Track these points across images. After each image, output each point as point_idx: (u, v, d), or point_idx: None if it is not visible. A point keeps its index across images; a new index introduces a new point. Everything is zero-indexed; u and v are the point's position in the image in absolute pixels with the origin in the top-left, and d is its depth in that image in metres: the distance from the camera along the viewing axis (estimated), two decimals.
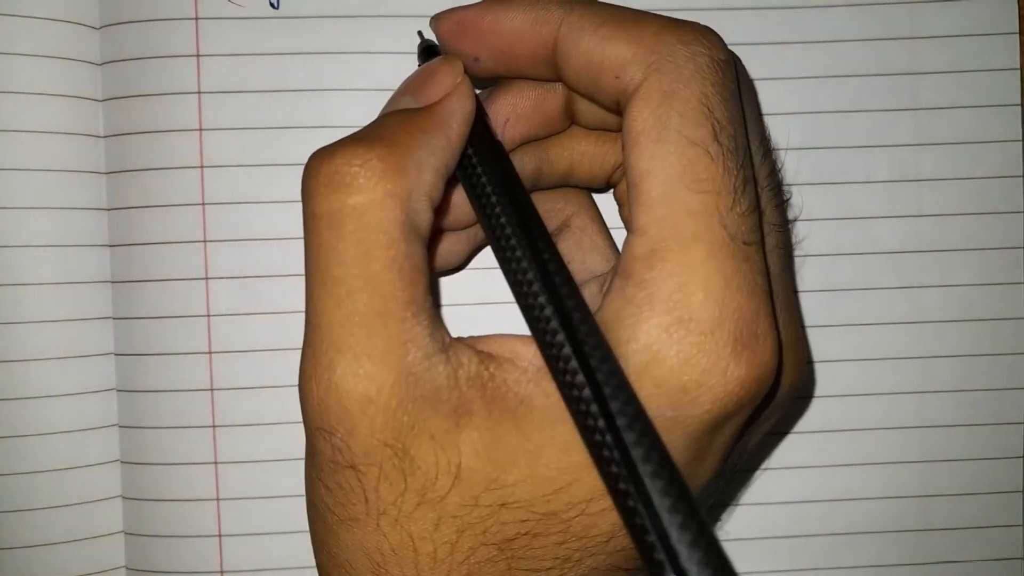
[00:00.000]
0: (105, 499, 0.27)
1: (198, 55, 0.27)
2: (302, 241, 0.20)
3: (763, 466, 0.28)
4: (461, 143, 0.21)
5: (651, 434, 0.17)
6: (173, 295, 0.27)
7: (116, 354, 0.28)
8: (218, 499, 0.27)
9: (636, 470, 0.17)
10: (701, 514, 0.17)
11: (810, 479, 0.28)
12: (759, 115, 0.22)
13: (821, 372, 0.28)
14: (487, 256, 0.27)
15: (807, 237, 0.28)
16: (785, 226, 0.22)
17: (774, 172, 0.22)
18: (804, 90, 0.28)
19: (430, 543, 0.19)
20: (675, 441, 0.19)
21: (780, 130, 0.28)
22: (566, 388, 0.18)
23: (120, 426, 0.28)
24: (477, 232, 0.25)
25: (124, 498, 0.28)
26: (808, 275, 0.28)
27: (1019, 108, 0.28)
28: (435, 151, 0.20)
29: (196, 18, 0.27)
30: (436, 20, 0.22)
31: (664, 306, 0.18)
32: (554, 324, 0.18)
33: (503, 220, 0.20)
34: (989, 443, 0.29)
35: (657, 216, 0.19)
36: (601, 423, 0.17)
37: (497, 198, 0.20)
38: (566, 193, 0.25)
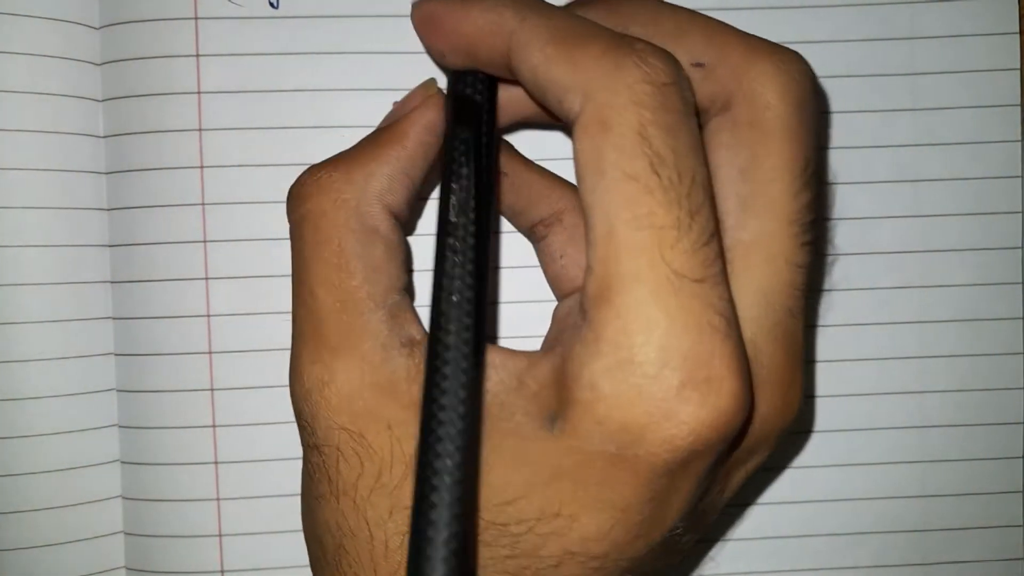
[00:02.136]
0: (105, 499, 0.27)
1: (198, 55, 0.27)
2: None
3: (764, 466, 0.28)
4: (423, 149, 0.22)
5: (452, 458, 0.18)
6: (173, 295, 0.27)
7: (116, 354, 0.28)
8: (218, 499, 0.27)
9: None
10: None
11: (810, 479, 0.28)
12: (808, 139, 0.20)
13: (821, 372, 0.28)
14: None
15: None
16: (806, 266, 0.21)
17: (812, 207, 0.20)
18: None
19: (383, 531, 0.20)
20: (622, 478, 0.18)
21: None
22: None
23: (120, 426, 0.28)
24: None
25: (124, 498, 0.28)
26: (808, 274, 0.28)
27: (1019, 108, 0.28)
28: (388, 160, 0.22)
29: (196, 18, 0.27)
30: (412, 8, 0.23)
31: (608, 347, 0.18)
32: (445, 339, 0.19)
33: (453, 240, 0.20)
34: (988, 443, 0.29)
35: (601, 255, 0.18)
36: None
37: (453, 215, 0.21)
38: (566, 188, 0.25)
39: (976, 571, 0.29)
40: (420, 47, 0.23)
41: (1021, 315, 0.28)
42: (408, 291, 0.22)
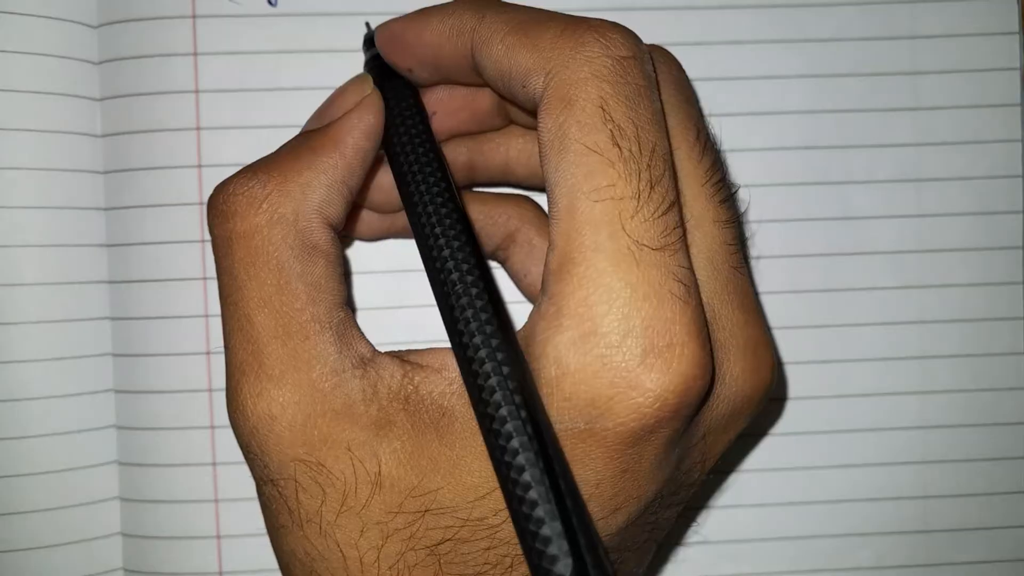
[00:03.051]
0: (103, 500, 0.27)
1: (195, 53, 0.27)
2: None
3: (764, 466, 0.28)
4: (361, 155, 0.21)
5: (546, 442, 0.18)
6: (170, 295, 0.27)
7: (114, 355, 0.27)
8: (216, 500, 0.27)
9: (527, 477, 0.17)
10: (588, 525, 0.17)
11: (811, 480, 0.28)
12: (693, 111, 0.21)
13: (822, 372, 0.28)
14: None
15: (808, 237, 0.28)
16: (734, 222, 0.21)
17: (716, 167, 0.21)
18: (804, 89, 0.28)
19: (356, 549, 0.19)
20: (593, 453, 0.18)
21: (780, 130, 0.28)
22: (475, 399, 0.18)
23: (118, 427, 0.27)
24: (396, 220, 0.25)
25: (122, 499, 0.28)
26: (807, 275, 0.28)
27: (1019, 108, 0.28)
28: (325, 169, 0.21)
29: (193, 16, 0.27)
30: (376, 32, 0.23)
31: (571, 320, 0.18)
32: (469, 336, 0.19)
33: (433, 228, 0.20)
34: (991, 444, 0.29)
35: (563, 229, 0.18)
36: (502, 432, 0.18)
37: (427, 205, 0.20)
38: (509, 207, 0.25)
39: (979, 572, 0.29)
40: None
41: (1022, 315, 0.28)
42: (349, 305, 0.21)
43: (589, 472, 0.19)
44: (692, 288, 0.19)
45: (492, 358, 0.18)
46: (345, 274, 0.22)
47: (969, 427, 0.29)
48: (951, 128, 0.28)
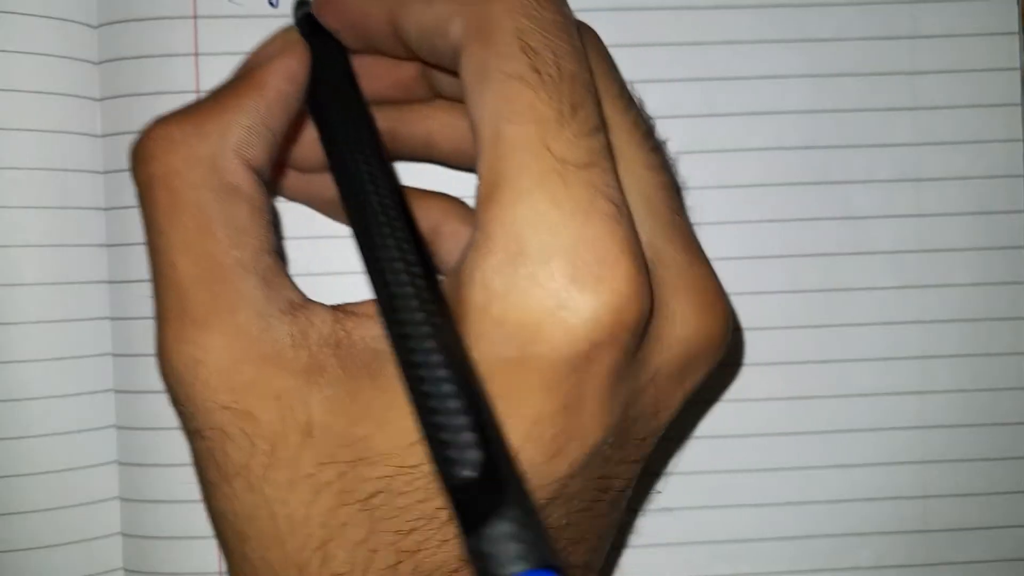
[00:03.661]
0: (103, 500, 0.27)
1: (196, 54, 0.27)
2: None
3: (764, 466, 0.28)
4: (282, 98, 0.21)
5: (461, 372, 0.17)
6: None
7: (114, 355, 0.27)
8: None
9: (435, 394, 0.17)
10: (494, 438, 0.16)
11: (810, 480, 0.28)
12: (616, 75, 0.22)
13: (823, 372, 0.28)
14: None
15: (808, 237, 0.28)
16: (664, 167, 0.21)
17: (641, 119, 0.21)
18: (804, 89, 0.28)
19: (285, 506, 0.18)
20: (529, 384, 0.18)
21: (780, 130, 0.28)
22: (391, 335, 0.18)
23: (118, 427, 0.27)
24: (314, 182, 0.25)
25: (122, 499, 0.27)
26: (808, 275, 0.28)
27: (1019, 108, 0.28)
28: (246, 111, 0.20)
29: (195, 16, 0.27)
30: None
31: (497, 243, 0.18)
32: (383, 272, 0.18)
33: (349, 167, 0.20)
34: (991, 444, 0.29)
35: (488, 158, 0.18)
36: (413, 361, 0.17)
37: (342, 144, 0.20)
38: (432, 201, 0.25)
39: (978, 571, 0.29)
40: None
41: (1022, 315, 0.28)
42: (279, 254, 0.21)
43: (527, 408, 0.18)
44: (623, 208, 0.18)
45: (405, 278, 0.18)
46: (276, 224, 0.21)
47: (969, 427, 0.29)
48: (951, 128, 0.28)
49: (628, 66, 0.28)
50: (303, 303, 0.20)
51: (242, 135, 0.20)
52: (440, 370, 0.17)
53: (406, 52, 0.21)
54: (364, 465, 0.18)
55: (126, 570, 0.27)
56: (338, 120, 0.21)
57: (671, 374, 0.20)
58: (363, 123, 0.21)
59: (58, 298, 0.27)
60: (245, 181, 0.20)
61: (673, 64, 0.28)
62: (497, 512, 0.15)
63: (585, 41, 0.21)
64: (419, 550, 0.18)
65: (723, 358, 0.21)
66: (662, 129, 0.28)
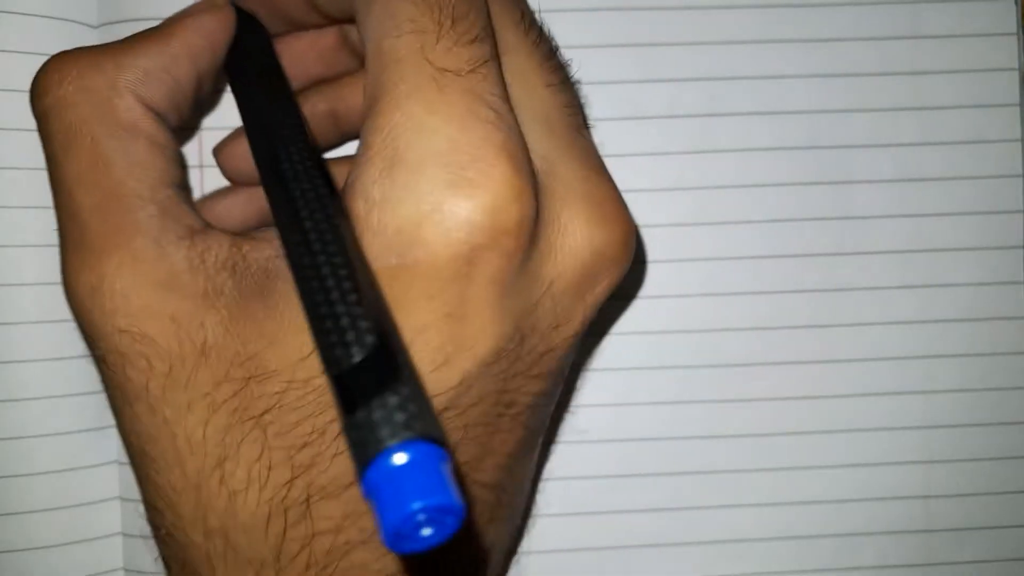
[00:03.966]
0: (103, 500, 0.27)
1: None
2: None
3: (765, 466, 0.28)
4: (188, 48, 0.21)
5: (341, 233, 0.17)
6: None
7: None
8: None
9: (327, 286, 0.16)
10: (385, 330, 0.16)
11: (813, 479, 0.28)
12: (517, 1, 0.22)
13: (825, 372, 0.28)
14: None
15: (809, 237, 0.28)
16: (565, 87, 0.21)
17: (542, 41, 0.21)
18: (805, 89, 0.28)
19: (183, 426, 0.19)
20: (413, 292, 0.18)
21: (780, 130, 0.28)
22: (281, 233, 0.18)
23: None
24: (255, 198, 0.25)
25: (122, 499, 0.27)
26: (808, 275, 0.28)
27: (1019, 108, 0.28)
28: (145, 53, 0.21)
29: None
30: None
31: (376, 153, 0.18)
32: (276, 183, 0.18)
33: (257, 107, 0.21)
34: (993, 443, 0.29)
35: (371, 73, 0.19)
36: (307, 261, 0.17)
37: (253, 94, 0.21)
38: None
39: (983, 572, 0.29)
40: None
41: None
42: (184, 188, 0.21)
43: (410, 316, 0.18)
44: (504, 115, 0.18)
45: (303, 188, 0.18)
46: (180, 160, 0.22)
47: (973, 427, 0.29)
48: (951, 128, 0.28)
49: (629, 66, 0.28)
50: (203, 230, 0.20)
51: (137, 75, 0.20)
52: (327, 261, 0.16)
53: (319, 16, 0.22)
54: (256, 382, 0.18)
55: (126, 570, 0.27)
56: (252, 77, 0.22)
57: (568, 286, 0.20)
58: (277, 81, 0.21)
59: (58, 298, 0.27)
60: (143, 120, 0.20)
61: (674, 64, 0.28)
62: (380, 392, 0.14)
63: None
64: (312, 464, 0.18)
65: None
66: (662, 128, 0.28)
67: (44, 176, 0.26)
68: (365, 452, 0.14)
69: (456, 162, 0.17)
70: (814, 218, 0.28)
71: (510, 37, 0.21)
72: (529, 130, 0.20)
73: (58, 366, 0.27)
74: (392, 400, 0.14)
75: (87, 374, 0.27)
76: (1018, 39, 0.28)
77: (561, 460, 0.28)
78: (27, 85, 0.26)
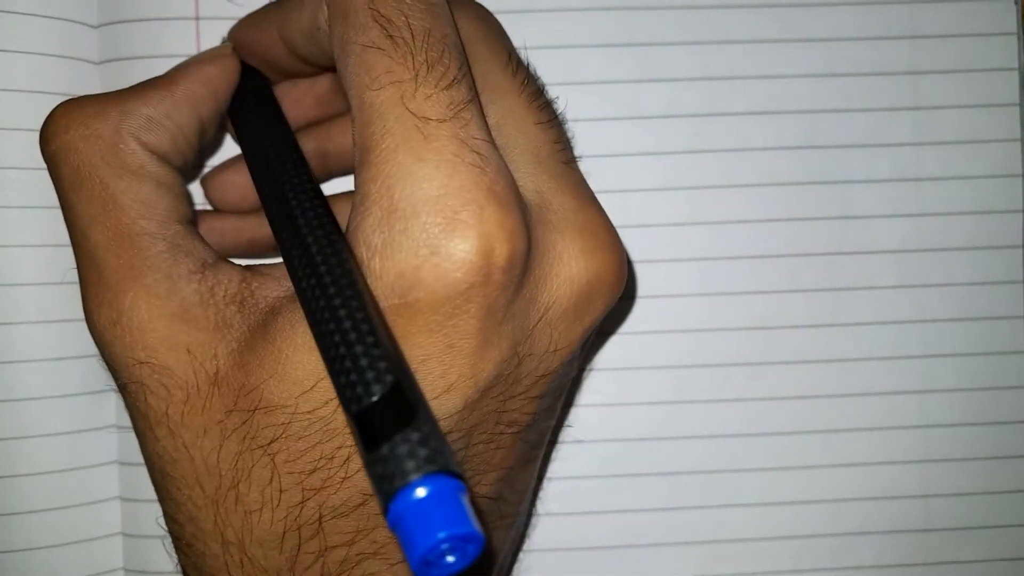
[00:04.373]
0: (103, 500, 0.27)
1: None
2: None
3: (763, 466, 0.28)
4: (189, 96, 0.23)
5: (355, 297, 0.18)
6: None
7: None
8: None
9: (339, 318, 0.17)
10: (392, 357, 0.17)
11: (812, 479, 0.28)
12: (502, 40, 0.23)
13: (824, 372, 0.28)
14: None
15: (808, 237, 0.28)
16: (553, 123, 0.22)
17: (531, 79, 0.22)
18: (804, 89, 0.28)
19: (200, 449, 0.20)
20: (413, 327, 0.19)
21: (780, 129, 0.28)
22: (293, 276, 0.19)
23: (118, 427, 0.27)
24: (250, 225, 0.26)
25: (122, 499, 0.27)
26: (807, 275, 0.28)
27: (1018, 108, 0.28)
28: (148, 101, 0.22)
29: (197, 18, 0.27)
30: (229, 34, 0.25)
31: (373, 203, 0.19)
32: (288, 228, 0.20)
33: (256, 141, 0.22)
34: (991, 443, 0.29)
35: (358, 124, 0.19)
36: (317, 293, 0.18)
37: (258, 138, 0.22)
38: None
39: (980, 571, 0.29)
40: None
41: (1022, 314, 0.28)
42: (193, 223, 0.23)
43: (414, 349, 0.19)
44: (489, 156, 0.19)
45: (310, 229, 0.19)
46: (188, 197, 0.23)
47: (970, 426, 0.29)
48: (950, 128, 0.28)
49: (629, 65, 0.28)
50: (214, 263, 0.21)
51: (140, 121, 0.22)
52: (343, 304, 0.17)
53: (308, 65, 0.23)
54: (262, 413, 0.20)
55: (126, 570, 0.27)
56: (255, 122, 0.23)
57: (565, 311, 0.21)
58: (280, 127, 0.23)
59: (58, 298, 0.27)
60: (148, 162, 0.22)
61: (674, 64, 0.28)
62: (400, 429, 0.15)
63: (463, 9, 0.22)
64: (323, 487, 0.20)
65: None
66: (663, 128, 0.28)
67: (44, 176, 0.26)
68: (391, 486, 0.15)
69: (448, 207, 0.18)
70: (812, 218, 0.28)
71: (499, 79, 0.22)
72: (521, 165, 0.21)
73: (58, 366, 0.27)
74: (413, 436, 0.15)
75: (87, 374, 0.27)
76: (1018, 39, 0.28)
77: (561, 460, 0.28)
78: (27, 85, 0.26)
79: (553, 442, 0.28)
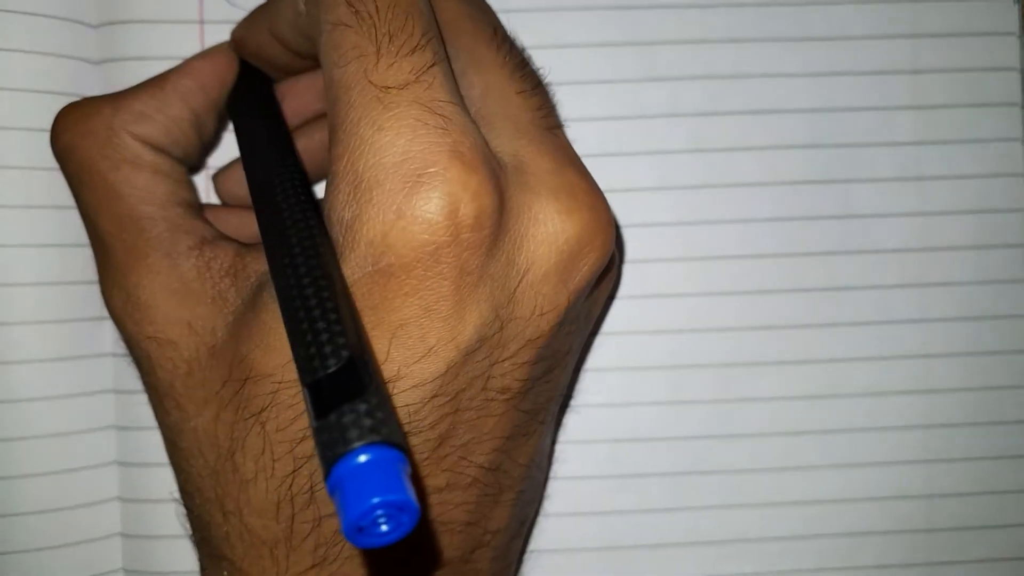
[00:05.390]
0: (103, 501, 0.27)
1: None
2: None
3: (765, 466, 0.28)
4: (180, 91, 0.24)
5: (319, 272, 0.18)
6: None
7: (113, 355, 0.27)
8: None
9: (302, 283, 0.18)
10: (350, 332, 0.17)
11: (814, 479, 0.28)
12: (487, 16, 0.23)
13: (825, 372, 0.28)
14: None
15: (809, 236, 0.28)
16: (536, 91, 0.22)
17: (512, 53, 0.22)
18: (805, 88, 0.28)
19: (200, 420, 0.21)
20: (391, 293, 0.19)
21: (780, 129, 0.28)
22: (267, 252, 0.20)
23: (117, 428, 0.27)
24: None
25: (122, 500, 0.27)
26: (808, 274, 0.28)
27: (1019, 108, 0.28)
28: (139, 97, 0.24)
29: (201, 21, 0.27)
30: (231, 36, 0.26)
31: (341, 180, 0.19)
32: (266, 211, 0.20)
33: (253, 141, 0.23)
34: (994, 442, 0.29)
35: (328, 104, 0.20)
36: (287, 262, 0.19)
37: (249, 127, 0.24)
38: None
39: (983, 570, 0.29)
40: None
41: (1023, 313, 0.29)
42: (195, 206, 0.24)
43: (391, 313, 0.19)
44: (453, 117, 0.19)
45: (286, 200, 0.20)
46: (188, 182, 0.24)
47: (973, 426, 0.29)
48: (951, 127, 0.28)
49: (630, 65, 0.28)
50: (212, 240, 0.23)
51: (131, 116, 0.23)
52: (311, 283, 0.18)
53: (301, 58, 0.24)
54: (252, 383, 0.20)
55: (126, 570, 0.27)
56: (249, 115, 0.24)
57: (547, 274, 0.21)
58: (272, 118, 0.24)
59: (57, 298, 0.27)
60: (143, 152, 0.23)
61: (675, 63, 0.28)
62: (350, 400, 0.16)
63: None
64: (313, 456, 0.20)
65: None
66: (663, 127, 0.28)
67: (44, 176, 0.27)
68: (333, 452, 0.15)
69: (411, 170, 0.19)
70: (814, 217, 0.28)
71: (483, 53, 0.22)
72: (501, 132, 0.21)
73: (58, 366, 0.27)
74: (361, 407, 0.16)
75: (87, 374, 0.27)
76: (1018, 39, 0.28)
77: (561, 461, 0.28)
78: (27, 84, 0.26)
79: (551, 441, 0.28)
